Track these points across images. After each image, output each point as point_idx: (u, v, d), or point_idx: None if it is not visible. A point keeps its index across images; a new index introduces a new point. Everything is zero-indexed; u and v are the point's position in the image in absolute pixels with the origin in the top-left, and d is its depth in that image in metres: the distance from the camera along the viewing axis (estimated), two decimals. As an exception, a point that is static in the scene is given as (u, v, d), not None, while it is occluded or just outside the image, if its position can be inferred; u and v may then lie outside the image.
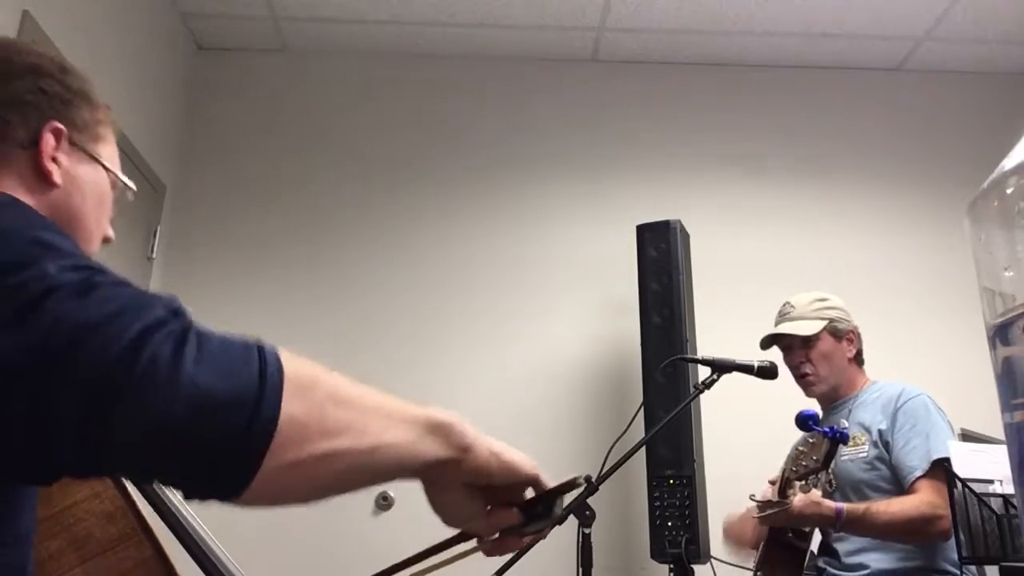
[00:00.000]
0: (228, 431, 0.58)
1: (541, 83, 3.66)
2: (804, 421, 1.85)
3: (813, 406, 2.41)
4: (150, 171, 3.17)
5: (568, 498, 0.78)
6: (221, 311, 3.30)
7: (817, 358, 2.32)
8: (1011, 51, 3.60)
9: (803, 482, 1.85)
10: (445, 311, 3.35)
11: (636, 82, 3.67)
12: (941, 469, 2.00)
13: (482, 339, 3.32)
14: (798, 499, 1.90)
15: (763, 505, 2.01)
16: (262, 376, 0.61)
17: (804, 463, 1.85)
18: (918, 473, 2.07)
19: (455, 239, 3.44)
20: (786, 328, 2.37)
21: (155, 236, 3.22)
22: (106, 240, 1.09)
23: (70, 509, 0.89)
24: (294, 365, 0.64)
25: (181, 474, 0.61)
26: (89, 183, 1.00)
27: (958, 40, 3.52)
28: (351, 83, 3.64)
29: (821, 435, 1.80)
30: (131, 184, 1.09)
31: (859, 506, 2.03)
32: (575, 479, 0.81)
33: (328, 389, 0.66)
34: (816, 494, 1.99)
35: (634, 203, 3.35)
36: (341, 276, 3.38)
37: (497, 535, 0.83)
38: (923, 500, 2.03)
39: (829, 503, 2.01)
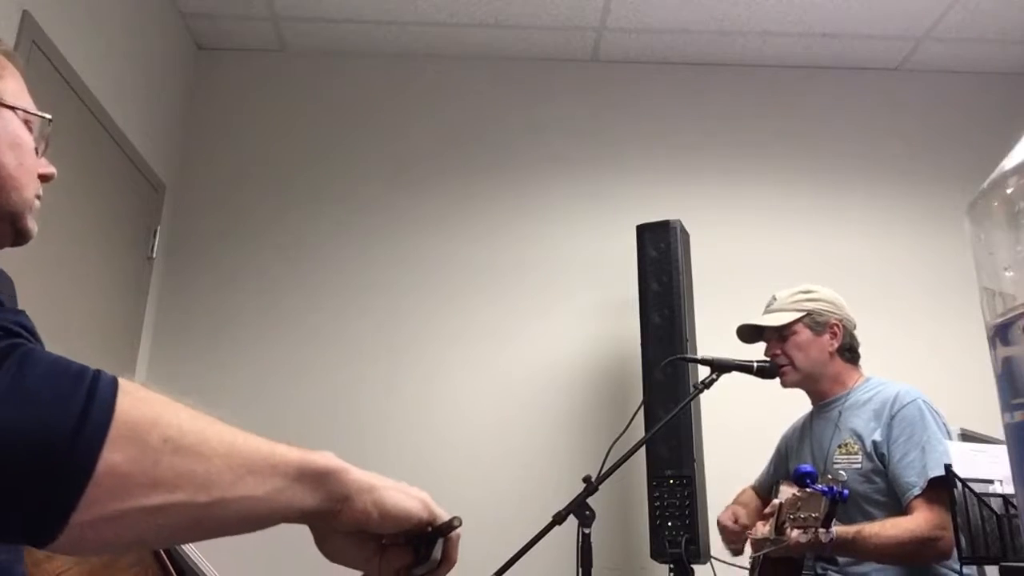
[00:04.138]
0: (29, 479, 0.51)
1: (541, 83, 3.66)
2: (802, 478, 1.80)
3: (804, 402, 2.41)
4: (150, 171, 3.17)
5: (451, 537, 0.75)
6: (220, 311, 3.30)
7: (791, 349, 2.29)
8: (1011, 51, 3.60)
9: (801, 531, 1.81)
10: (445, 311, 3.35)
11: (636, 82, 3.67)
12: (939, 485, 1.96)
13: (482, 339, 3.32)
14: (795, 535, 1.86)
15: (760, 543, 1.98)
16: (84, 416, 0.53)
17: (803, 515, 1.80)
18: (916, 491, 2.02)
19: (455, 239, 3.44)
20: (761, 320, 2.36)
21: (155, 236, 3.22)
22: (46, 177, 1.05)
23: None
24: (131, 403, 0.56)
25: None
26: None
27: (958, 40, 3.52)
28: (351, 83, 3.64)
29: (820, 494, 1.77)
30: (44, 115, 1.03)
31: (849, 530, 1.96)
32: (452, 520, 0.75)
33: (168, 433, 0.57)
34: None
35: (634, 203, 3.35)
36: (341, 276, 3.38)
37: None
38: (919, 522, 1.98)
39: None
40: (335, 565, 0.74)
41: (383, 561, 0.74)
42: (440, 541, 0.76)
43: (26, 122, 1.01)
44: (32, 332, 0.61)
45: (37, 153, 1.04)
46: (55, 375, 0.54)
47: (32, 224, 1.02)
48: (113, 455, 0.53)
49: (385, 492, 0.70)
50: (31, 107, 1.02)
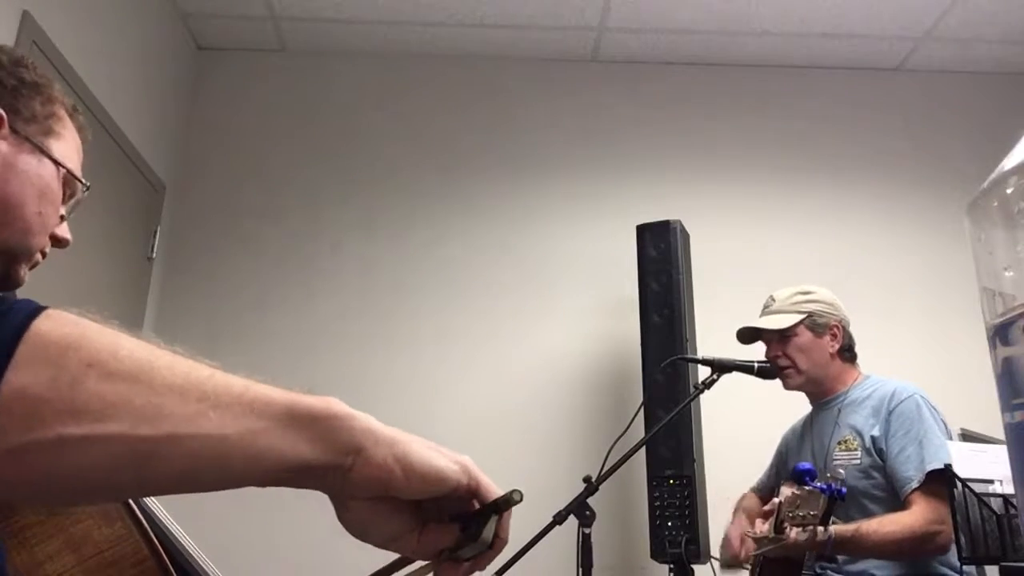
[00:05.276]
0: None
1: (541, 83, 3.66)
2: (800, 476, 1.81)
3: (802, 403, 2.41)
4: (150, 171, 3.17)
5: (504, 515, 0.62)
6: (220, 310, 3.30)
7: (794, 351, 2.29)
8: (1011, 51, 3.60)
9: (800, 529, 1.82)
10: (445, 311, 3.35)
11: (636, 82, 3.67)
12: (937, 479, 1.97)
13: (482, 339, 3.32)
14: (794, 533, 1.86)
15: (760, 541, 1.99)
16: None
17: (801, 513, 1.81)
18: (914, 485, 2.03)
19: (455, 239, 3.44)
20: (762, 322, 2.35)
21: (155, 236, 3.22)
22: (61, 242, 1.05)
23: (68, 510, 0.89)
24: (52, 325, 0.48)
25: None
26: (31, 173, 0.98)
27: (958, 40, 3.52)
28: (351, 83, 3.64)
29: (819, 492, 1.76)
30: (84, 181, 1.05)
31: (848, 528, 1.96)
32: (512, 493, 0.61)
33: (97, 355, 0.48)
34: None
35: (634, 203, 3.35)
36: (341, 276, 3.38)
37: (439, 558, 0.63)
38: (917, 517, 1.98)
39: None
40: (352, 569, 0.62)
41: (421, 539, 0.61)
42: (493, 519, 0.62)
43: (64, 183, 1.02)
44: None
45: (63, 217, 1.05)
46: None
47: (24, 273, 1.01)
48: (19, 377, 0.46)
49: (411, 446, 0.57)
50: (76, 169, 1.02)
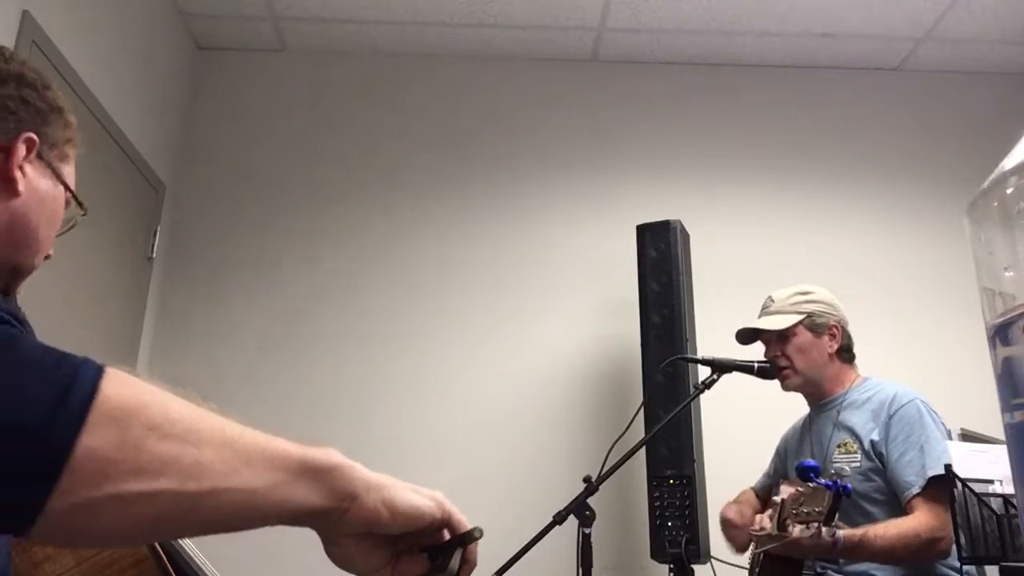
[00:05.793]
0: (5, 464, 0.50)
1: (541, 83, 3.66)
2: (805, 472, 1.81)
3: (802, 403, 2.41)
4: (150, 171, 3.17)
5: (470, 546, 0.73)
6: (220, 311, 3.30)
7: (792, 352, 2.28)
8: (1011, 51, 3.60)
9: (804, 526, 1.81)
10: (445, 311, 3.35)
11: (636, 82, 3.67)
12: (938, 484, 1.97)
13: (482, 339, 3.32)
14: (797, 530, 1.86)
15: (762, 539, 1.98)
16: (63, 399, 0.52)
17: (806, 510, 1.80)
18: (915, 491, 2.02)
19: (455, 239, 3.44)
20: (761, 323, 2.35)
21: (155, 236, 3.22)
22: (47, 257, 1.07)
23: None
24: (115, 388, 0.54)
25: None
26: (48, 198, 0.99)
27: (958, 40, 3.52)
28: (351, 83, 3.64)
29: (824, 488, 1.76)
30: (84, 205, 1.07)
31: (856, 532, 1.96)
32: (473, 530, 0.71)
33: (154, 419, 0.55)
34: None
35: (634, 203, 3.35)
36: (341, 276, 3.38)
37: None
38: (920, 523, 1.98)
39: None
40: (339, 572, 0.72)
41: (396, 570, 0.71)
42: (459, 551, 0.72)
43: (65, 203, 1.05)
44: (22, 321, 0.61)
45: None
46: (37, 360, 0.54)
47: (21, 288, 1.04)
48: (92, 439, 0.52)
49: (395, 490, 0.67)
50: (77, 195, 1.05)
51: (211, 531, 0.60)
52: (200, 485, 0.56)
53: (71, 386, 0.52)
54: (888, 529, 1.98)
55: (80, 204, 1.06)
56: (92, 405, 0.52)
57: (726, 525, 2.34)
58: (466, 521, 0.72)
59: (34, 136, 0.95)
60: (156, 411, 0.56)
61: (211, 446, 0.57)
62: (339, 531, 0.66)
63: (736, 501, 2.45)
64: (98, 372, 0.54)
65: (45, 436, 0.51)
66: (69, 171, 1.04)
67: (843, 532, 1.90)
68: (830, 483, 1.74)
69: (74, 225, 1.08)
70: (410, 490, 0.69)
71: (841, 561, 2.15)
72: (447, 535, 0.72)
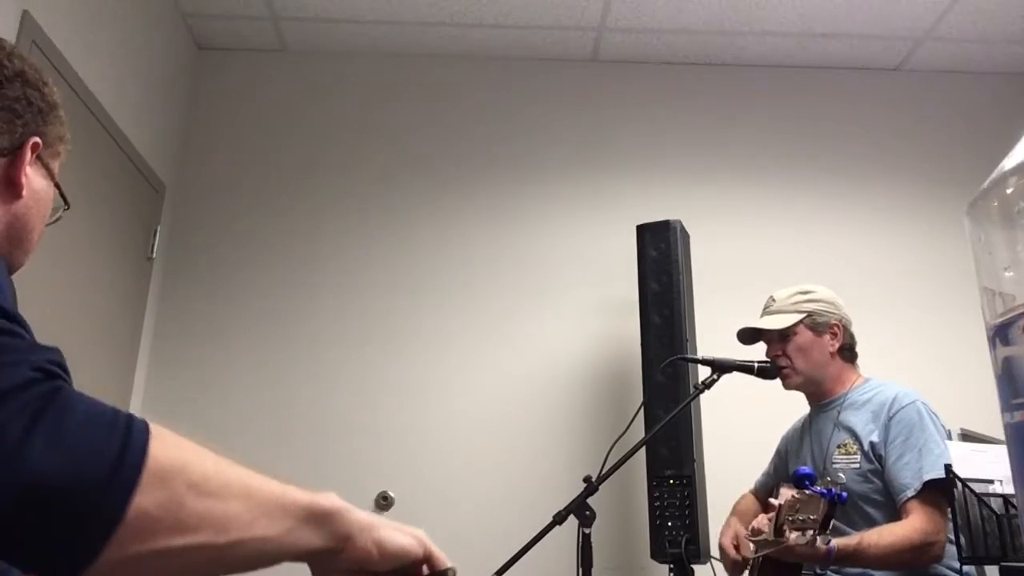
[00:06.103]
0: (65, 522, 0.55)
1: (541, 83, 3.66)
2: (800, 480, 1.80)
3: (804, 402, 2.41)
4: (150, 171, 3.17)
5: None
6: (221, 311, 3.30)
7: (793, 351, 2.28)
8: (1011, 51, 3.60)
9: (799, 533, 1.82)
10: (445, 311, 3.35)
11: (636, 82, 3.67)
12: (934, 489, 1.97)
13: (482, 339, 3.32)
14: (793, 537, 1.86)
15: (759, 544, 1.98)
16: (119, 463, 0.58)
17: (801, 517, 1.80)
18: (910, 493, 2.02)
19: (455, 239, 3.44)
20: (762, 323, 2.35)
21: (155, 236, 3.22)
22: None
23: None
24: (162, 447, 0.61)
25: (9, 555, 0.57)
26: (43, 198, 1.00)
27: (958, 40, 3.52)
28: (351, 83, 3.64)
29: (819, 496, 1.76)
30: (68, 202, 1.08)
31: (850, 542, 1.95)
32: (447, 571, 0.79)
33: (193, 477, 0.62)
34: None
35: (634, 203, 3.35)
36: (341, 276, 3.37)
37: None
38: (913, 529, 1.97)
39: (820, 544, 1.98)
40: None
41: None
42: None
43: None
44: (66, 370, 0.65)
45: None
46: (92, 423, 0.59)
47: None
48: (143, 500, 0.58)
49: (384, 531, 0.75)
50: (62, 192, 1.06)
51: (229, 573, 0.67)
52: (229, 537, 0.63)
53: (126, 447, 0.58)
54: (882, 537, 1.97)
55: (64, 199, 1.07)
56: (143, 469, 0.58)
57: (720, 551, 2.34)
58: (445, 558, 0.80)
59: (39, 140, 0.96)
60: (194, 469, 0.62)
61: (238, 499, 0.65)
62: (333, 568, 0.73)
63: (734, 513, 2.44)
64: (146, 434, 0.60)
65: (104, 495, 0.56)
66: (56, 166, 1.05)
67: (837, 542, 1.90)
68: (825, 491, 1.74)
69: (59, 218, 1.08)
70: (395, 529, 0.76)
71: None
72: (426, 570, 0.79)
